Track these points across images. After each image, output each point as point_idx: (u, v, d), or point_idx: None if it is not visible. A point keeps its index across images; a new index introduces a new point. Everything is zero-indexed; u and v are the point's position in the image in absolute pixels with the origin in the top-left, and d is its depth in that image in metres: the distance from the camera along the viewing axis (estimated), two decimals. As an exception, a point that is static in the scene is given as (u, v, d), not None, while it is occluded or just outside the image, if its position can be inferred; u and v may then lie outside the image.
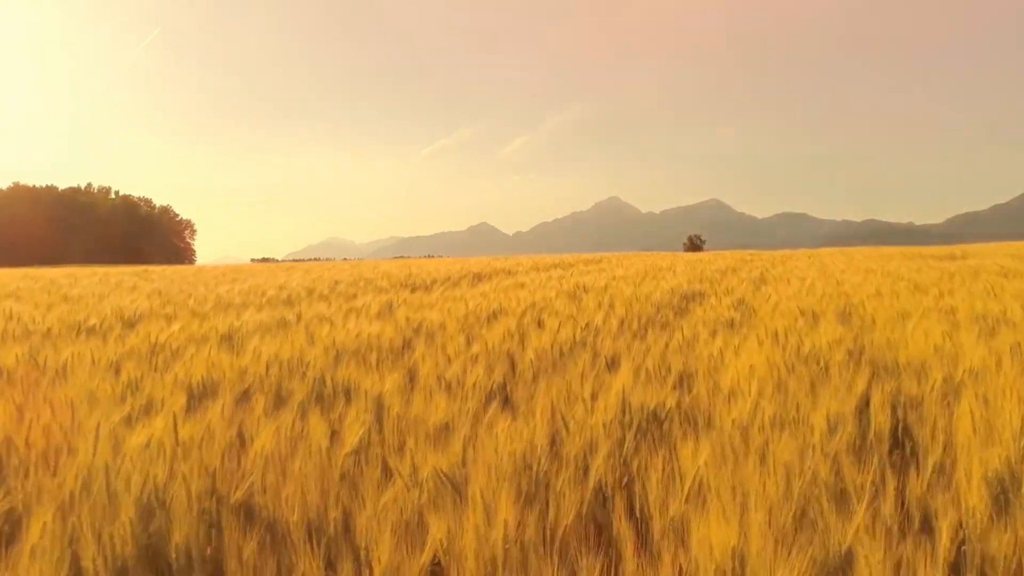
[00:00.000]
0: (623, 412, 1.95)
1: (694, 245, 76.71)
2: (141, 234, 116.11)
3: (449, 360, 2.66)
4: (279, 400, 2.00)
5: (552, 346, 2.98)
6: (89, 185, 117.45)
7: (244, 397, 2.05)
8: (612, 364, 2.77)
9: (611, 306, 4.70)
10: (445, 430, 1.74)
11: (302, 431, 1.57)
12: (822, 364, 2.47)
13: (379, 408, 1.90)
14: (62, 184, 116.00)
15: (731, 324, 4.06)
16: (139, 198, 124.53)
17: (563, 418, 1.71)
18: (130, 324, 3.74)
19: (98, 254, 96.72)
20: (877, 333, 3.10)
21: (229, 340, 3.06)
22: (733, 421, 1.78)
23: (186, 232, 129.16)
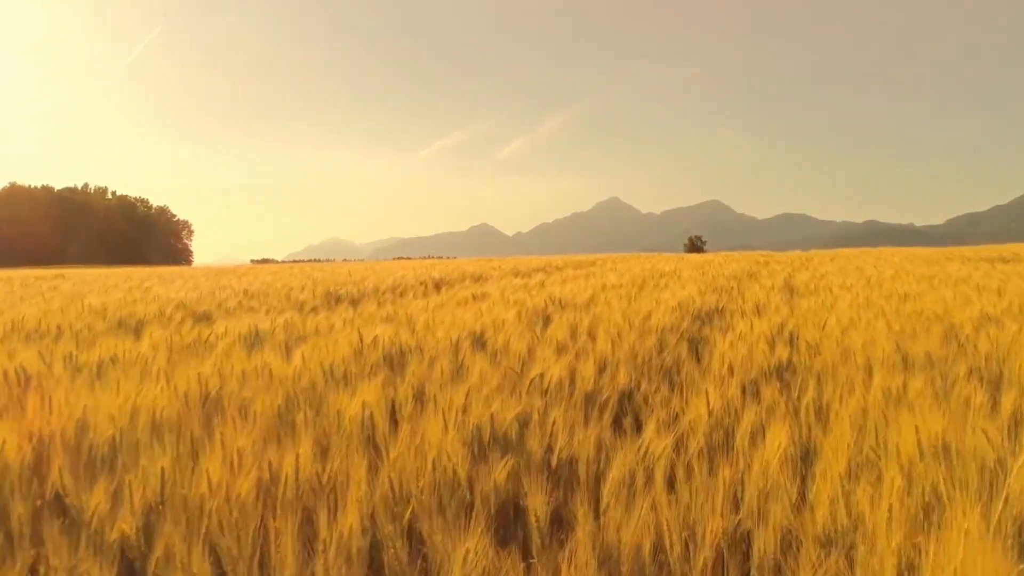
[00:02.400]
0: None
1: (695, 246, 75.21)
2: (138, 235, 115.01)
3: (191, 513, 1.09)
4: None
5: (451, 449, 1.41)
6: (86, 185, 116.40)
7: None
8: (556, 528, 1.20)
9: (590, 336, 3.13)
10: None
11: None
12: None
13: None
14: (58, 184, 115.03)
15: (785, 375, 2.49)
16: (136, 198, 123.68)
17: None
18: None
19: (95, 255, 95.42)
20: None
21: None
22: None
23: (183, 233, 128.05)
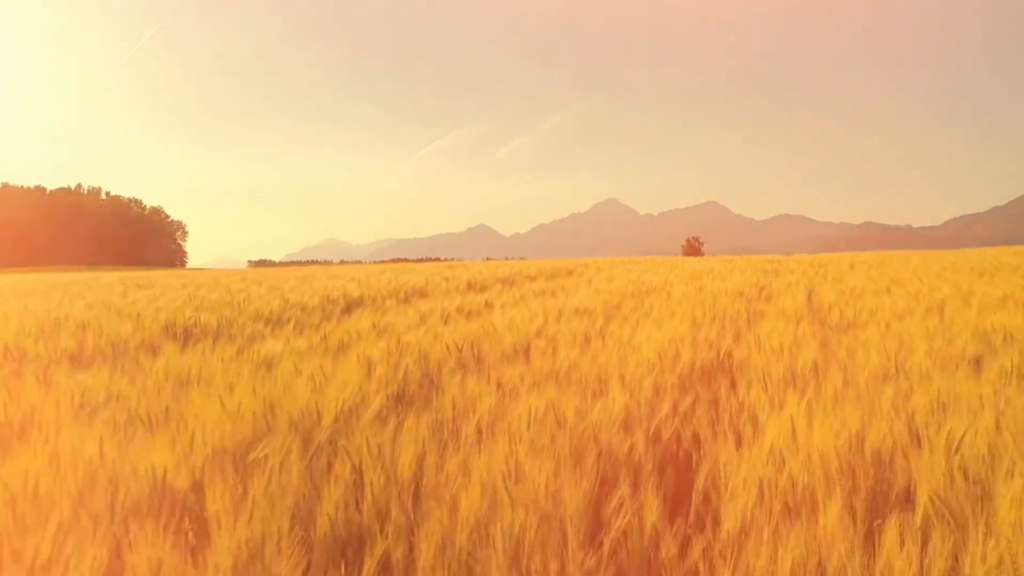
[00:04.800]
0: None
1: (692, 248, 73.19)
2: (131, 236, 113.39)
3: None
4: None
5: None
6: (79, 186, 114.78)
7: None
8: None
9: (471, 453, 1.51)
10: None
11: None
12: None
13: None
14: (52, 184, 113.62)
15: None
16: (129, 199, 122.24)
17: None
18: None
19: (89, 256, 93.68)
20: None
21: None
22: None
23: (177, 234, 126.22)
